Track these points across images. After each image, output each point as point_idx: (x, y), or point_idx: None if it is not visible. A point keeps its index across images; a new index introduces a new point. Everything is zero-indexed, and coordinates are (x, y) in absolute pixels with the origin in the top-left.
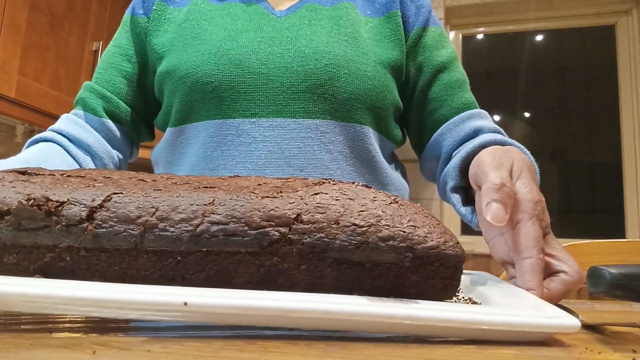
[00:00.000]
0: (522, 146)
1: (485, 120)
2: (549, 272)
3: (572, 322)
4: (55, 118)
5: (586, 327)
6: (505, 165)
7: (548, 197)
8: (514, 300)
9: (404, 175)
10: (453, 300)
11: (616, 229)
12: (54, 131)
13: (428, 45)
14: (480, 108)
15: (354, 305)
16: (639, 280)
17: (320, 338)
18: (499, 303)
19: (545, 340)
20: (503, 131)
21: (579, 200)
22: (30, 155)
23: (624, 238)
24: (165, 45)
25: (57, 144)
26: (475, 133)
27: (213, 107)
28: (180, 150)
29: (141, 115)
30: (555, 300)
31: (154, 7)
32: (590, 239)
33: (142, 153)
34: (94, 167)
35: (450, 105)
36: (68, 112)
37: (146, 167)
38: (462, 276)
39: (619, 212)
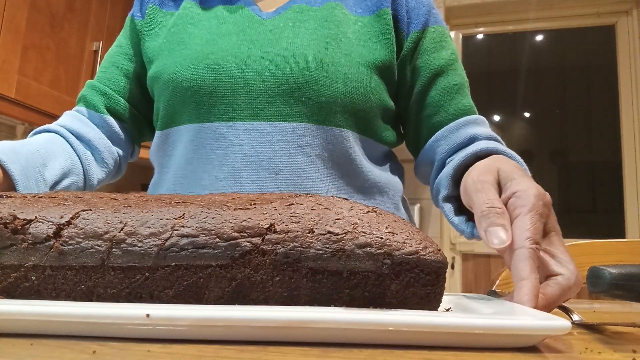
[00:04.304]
0: (516, 154)
1: (481, 126)
2: (546, 273)
3: (562, 323)
4: (55, 118)
5: (586, 327)
6: (488, 181)
7: None
8: (502, 310)
9: (402, 176)
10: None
11: (616, 229)
12: (58, 125)
13: (426, 49)
14: (481, 108)
15: (334, 313)
16: (639, 280)
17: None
18: (486, 313)
19: (544, 340)
20: (499, 138)
21: (579, 200)
22: (34, 142)
23: (624, 238)
24: (155, 50)
25: (60, 135)
26: (471, 140)
27: (193, 111)
28: (168, 153)
29: (142, 113)
30: (552, 305)
31: (147, 11)
32: (590, 239)
33: (142, 153)
34: (94, 161)
35: (447, 111)
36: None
37: (147, 167)
38: (447, 297)
39: (619, 212)
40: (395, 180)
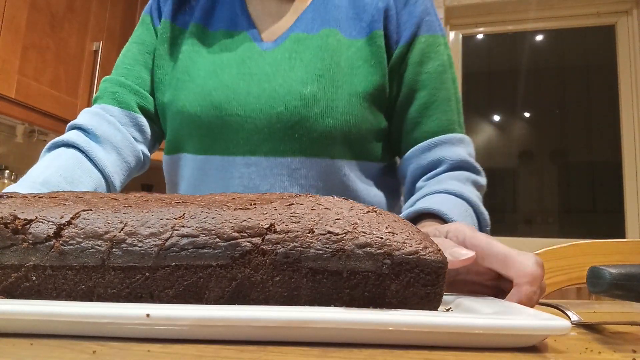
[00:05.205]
0: (470, 196)
1: (454, 147)
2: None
3: (562, 323)
4: (55, 118)
5: (586, 326)
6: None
7: (548, 197)
8: (502, 310)
9: (397, 188)
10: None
11: (616, 229)
12: (78, 127)
13: (412, 62)
14: (481, 108)
15: (334, 313)
16: (639, 280)
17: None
18: (486, 313)
19: (544, 340)
20: (470, 160)
21: (579, 200)
22: (50, 174)
23: (624, 238)
24: (163, 73)
25: (78, 148)
26: (439, 162)
27: (197, 143)
28: (178, 175)
29: None
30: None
31: (160, 25)
32: (590, 239)
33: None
34: (117, 166)
35: (422, 129)
36: (68, 112)
37: (159, 168)
38: (447, 297)
39: (619, 212)
40: (393, 196)
